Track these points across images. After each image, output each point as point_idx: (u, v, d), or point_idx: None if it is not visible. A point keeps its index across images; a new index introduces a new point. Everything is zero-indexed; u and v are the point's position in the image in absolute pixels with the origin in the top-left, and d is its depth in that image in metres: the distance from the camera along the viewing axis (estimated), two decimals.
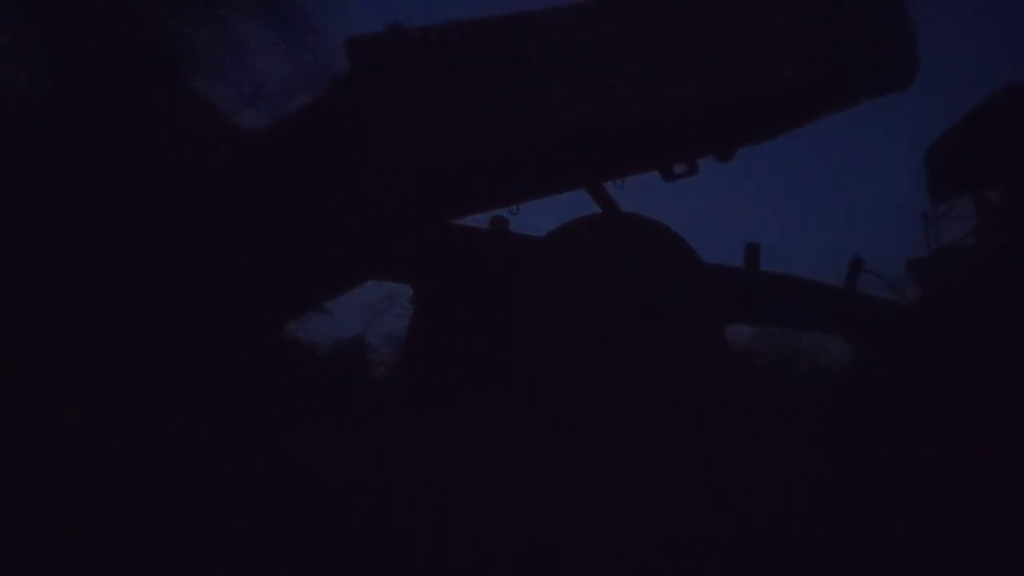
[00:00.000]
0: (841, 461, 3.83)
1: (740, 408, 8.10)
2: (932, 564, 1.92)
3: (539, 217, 7.58)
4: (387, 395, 10.81)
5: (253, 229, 5.45)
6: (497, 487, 2.49)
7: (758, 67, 6.53)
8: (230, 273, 5.57)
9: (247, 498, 2.10)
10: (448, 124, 5.70)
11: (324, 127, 6.02)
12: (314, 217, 5.92)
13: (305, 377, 9.14)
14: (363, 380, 10.82)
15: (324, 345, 11.89)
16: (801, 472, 3.23)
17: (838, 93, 7.24)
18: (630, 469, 3.06)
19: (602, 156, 6.73)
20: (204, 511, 1.99)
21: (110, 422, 3.22)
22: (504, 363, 6.61)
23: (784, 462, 3.53)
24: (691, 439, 4.42)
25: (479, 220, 7.15)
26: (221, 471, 2.43)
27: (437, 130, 5.68)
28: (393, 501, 2.25)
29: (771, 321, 7.71)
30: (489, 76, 5.80)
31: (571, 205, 7.44)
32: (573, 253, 6.03)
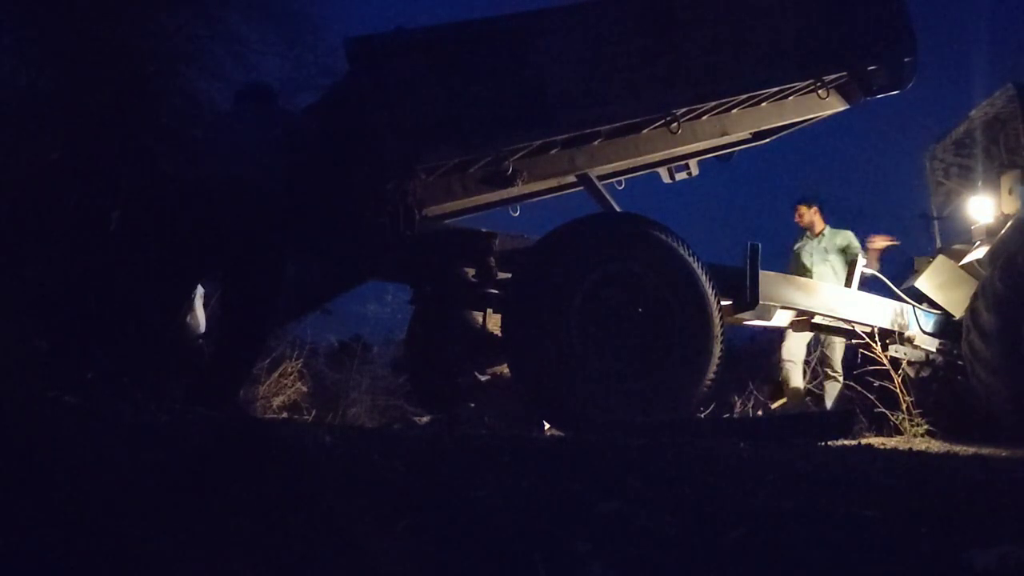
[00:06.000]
0: (841, 461, 3.84)
1: (739, 407, 8.11)
2: (933, 564, 1.92)
3: (539, 217, 7.61)
4: (386, 395, 10.84)
5: (252, 229, 5.45)
6: (495, 485, 2.49)
7: (759, 68, 6.54)
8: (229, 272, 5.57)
9: (241, 498, 2.10)
10: (448, 124, 5.70)
11: (324, 127, 6.03)
12: (312, 217, 5.92)
13: (304, 378, 9.16)
14: (363, 380, 10.86)
15: (324, 345, 11.94)
16: (800, 472, 3.23)
17: (840, 93, 7.27)
18: (630, 468, 3.06)
19: (601, 156, 6.75)
20: (199, 511, 1.99)
21: (106, 419, 3.22)
22: (503, 363, 6.62)
23: (783, 462, 3.53)
24: (691, 439, 4.42)
25: (479, 220, 7.18)
26: (217, 470, 2.43)
27: (437, 130, 5.68)
28: (391, 500, 2.25)
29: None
30: (490, 77, 5.80)
31: (571, 205, 7.46)
32: (571, 252, 6.02)
